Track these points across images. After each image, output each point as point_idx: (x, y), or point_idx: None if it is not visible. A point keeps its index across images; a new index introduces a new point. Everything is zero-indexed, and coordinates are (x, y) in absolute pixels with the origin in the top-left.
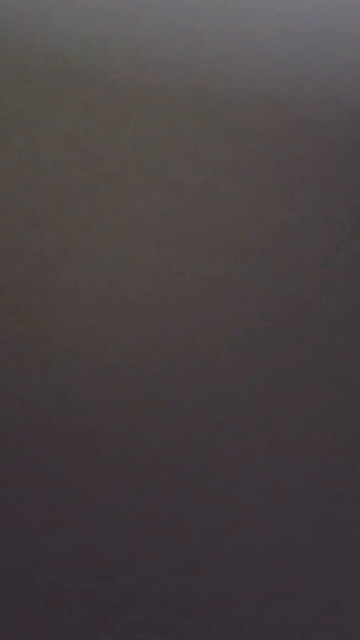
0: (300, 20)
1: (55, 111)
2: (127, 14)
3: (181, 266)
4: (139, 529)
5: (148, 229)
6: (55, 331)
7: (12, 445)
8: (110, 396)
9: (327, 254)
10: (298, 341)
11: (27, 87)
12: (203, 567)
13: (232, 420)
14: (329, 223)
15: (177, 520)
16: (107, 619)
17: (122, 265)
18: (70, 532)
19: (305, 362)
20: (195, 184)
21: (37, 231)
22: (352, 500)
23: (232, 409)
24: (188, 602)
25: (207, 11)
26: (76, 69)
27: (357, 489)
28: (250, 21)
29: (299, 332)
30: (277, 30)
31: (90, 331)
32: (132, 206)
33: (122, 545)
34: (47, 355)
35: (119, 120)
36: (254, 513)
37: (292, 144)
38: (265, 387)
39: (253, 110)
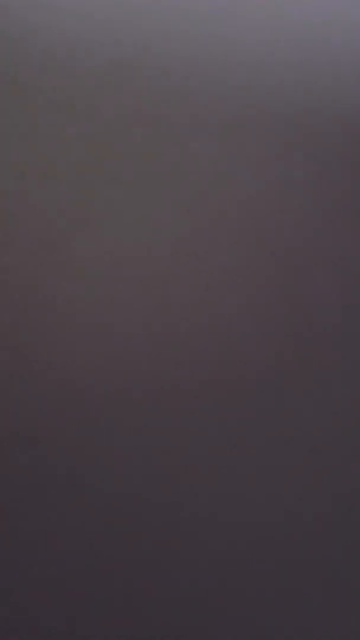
0: (299, 28)
1: (57, 110)
2: (127, 16)
3: (182, 277)
4: (138, 531)
5: (147, 232)
6: (54, 336)
7: (12, 446)
8: (110, 396)
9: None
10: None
11: (29, 88)
12: (202, 574)
13: (233, 430)
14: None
15: (175, 523)
16: (105, 618)
17: (121, 268)
18: (69, 534)
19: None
20: (197, 190)
21: (35, 227)
22: (351, 510)
23: (234, 423)
24: (187, 607)
25: (208, 17)
26: (78, 70)
27: (357, 500)
28: (250, 30)
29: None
30: (277, 37)
31: (90, 337)
32: (132, 207)
33: (120, 547)
34: (47, 355)
35: (120, 120)
36: (252, 509)
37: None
38: (266, 386)
39: (256, 118)
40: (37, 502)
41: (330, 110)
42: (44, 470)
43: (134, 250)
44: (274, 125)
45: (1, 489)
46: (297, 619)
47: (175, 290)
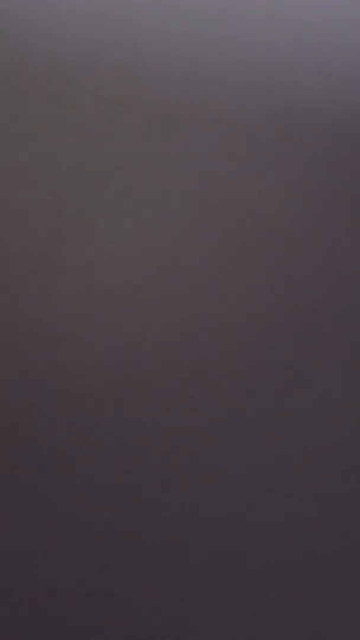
0: (299, 30)
1: (57, 110)
2: (127, 16)
3: (179, 278)
4: (138, 529)
5: (147, 231)
6: (53, 335)
7: (14, 445)
8: (109, 395)
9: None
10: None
11: (28, 88)
12: (201, 573)
13: (231, 424)
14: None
15: (175, 523)
16: (104, 619)
17: (120, 268)
18: (69, 533)
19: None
20: (197, 189)
21: (35, 227)
22: (351, 510)
23: (234, 422)
24: (186, 606)
25: (208, 17)
26: (77, 69)
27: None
28: (250, 30)
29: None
30: (277, 37)
31: (90, 336)
32: (131, 206)
33: (120, 547)
34: (47, 352)
35: (119, 119)
36: (250, 507)
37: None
38: (266, 385)
39: (254, 114)
40: (37, 502)
41: (330, 110)
42: (44, 470)
43: (134, 250)
44: (273, 125)
45: (1, 489)
46: (297, 619)
47: (174, 290)
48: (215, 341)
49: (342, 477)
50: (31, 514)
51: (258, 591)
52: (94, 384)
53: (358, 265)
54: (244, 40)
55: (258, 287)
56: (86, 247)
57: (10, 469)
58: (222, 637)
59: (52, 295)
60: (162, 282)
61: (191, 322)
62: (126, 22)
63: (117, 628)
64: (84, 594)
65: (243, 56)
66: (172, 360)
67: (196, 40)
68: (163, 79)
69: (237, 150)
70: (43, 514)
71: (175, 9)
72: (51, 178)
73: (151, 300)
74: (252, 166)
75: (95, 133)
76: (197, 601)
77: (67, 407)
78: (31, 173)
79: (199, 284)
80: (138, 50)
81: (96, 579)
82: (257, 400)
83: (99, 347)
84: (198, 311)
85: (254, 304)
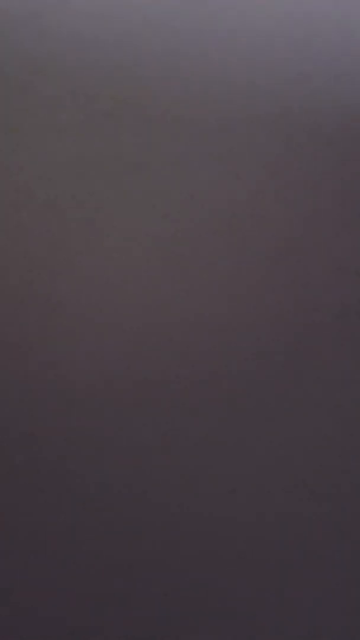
0: (300, 28)
1: (57, 110)
2: (128, 16)
3: (179, 281)
4: (138, 529)
5: (146, 232)
6: (53, 336)
7: (13, 445)
8: (109, 396)
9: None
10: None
11: (28, 88)
12: (201, 574)
13: (232, 428)
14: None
15: (175, 523)
16: (104, 619)
17: (120, 267)
18: (69, 533)
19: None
20: (197, 189)
21: (34, 227)
22: (350, 510)
23: (234, 423)
24: (186, 607)
25: (207, 16)
26: (78, 70)
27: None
28: (251, 29)
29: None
30: (277, 37)
31: (90, 337)
32: (131, 206)
33: (121, 548)
34: (47, 351)
35: (118, 120)
36: (251, 510)
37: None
38: (266, 385)
39: (255, 113)
40: (36, 502)
41: (330, 110)
42: (44, 469)
43: (134, 250)
44: (274, 125)
45: (1, 489)
46: (297, 619)
47: (174, 290)
48: (215, 341)
49: (342, 477)
50: (31, 513)
51: (258, 591)
52: (94, 384)
53: (358, 265)
54: (244, 40)
55: (258, 287)
56: (86, 248)
57: (10, 469)
58: (222, 637)
59: (52, 295)
60: (163, 282)
61: (191, 322)
62: (126, 22)
63: (117, 628)
64: (84, 594)
65: (243, 56)
66: (172, 360)
67: (196, 40)
68: (163, 79)
69: (237, 151)
70: (43, 514)
71: (175, 9)
72: (51, 178)
73: (152, 301)
74: (252, 166)
75: (95, 133)
76: (197, 601)
77: (67, 407)
78: (31, 173)
79: (199, 284)
80: (138, 50)
81: (96, 579)
82: (257, 400)
83: (99, 347)
84: (198, 311)
85: (253, 304)
